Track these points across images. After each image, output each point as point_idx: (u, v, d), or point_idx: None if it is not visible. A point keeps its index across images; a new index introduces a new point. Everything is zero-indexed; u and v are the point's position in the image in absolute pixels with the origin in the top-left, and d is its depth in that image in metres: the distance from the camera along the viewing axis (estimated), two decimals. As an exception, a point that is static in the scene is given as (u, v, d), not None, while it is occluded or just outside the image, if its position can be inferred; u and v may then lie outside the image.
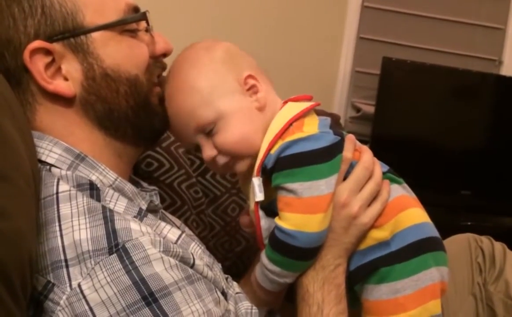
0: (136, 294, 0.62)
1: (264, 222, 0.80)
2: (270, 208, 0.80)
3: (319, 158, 0.76)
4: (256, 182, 0.78)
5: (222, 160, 0.81)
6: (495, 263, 1.05)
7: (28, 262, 0.57)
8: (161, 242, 0.67)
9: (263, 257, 0.80)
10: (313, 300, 0.78)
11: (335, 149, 0.78)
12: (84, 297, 0.62)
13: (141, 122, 0.78)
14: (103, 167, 0.74)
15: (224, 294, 0.75)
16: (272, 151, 0.77)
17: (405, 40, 2.21)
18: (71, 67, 0.73)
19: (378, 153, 0.86)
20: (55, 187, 0.69)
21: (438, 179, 2.08)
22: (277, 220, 0.77)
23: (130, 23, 0.76)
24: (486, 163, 2.12)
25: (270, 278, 0.80)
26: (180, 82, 0.81)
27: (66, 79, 0.73)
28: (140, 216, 0.73)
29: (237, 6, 2.05)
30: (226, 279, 0.84)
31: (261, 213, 0.80)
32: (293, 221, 0.75)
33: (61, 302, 0.63)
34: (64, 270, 0.64)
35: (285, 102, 0.84)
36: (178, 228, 0.89)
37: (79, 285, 0.63)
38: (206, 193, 1.30)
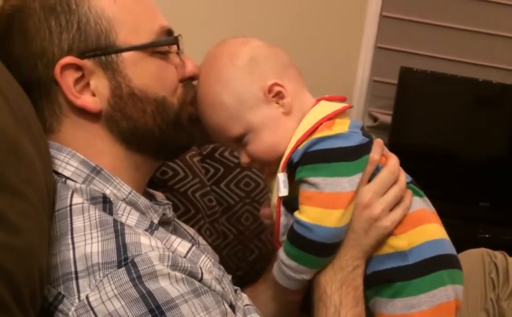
0: (143, 307, 0.63)
1: (284, 219, 0.81)
2: (291, 204, 0.80)
3: (345, 156, 0.77)
4: (281, 177, 0.79)
5: (256, 165, 0.85)
6: (509, 279, 1.04)
7: (38, 275, 0.58)
8: (169, 257, 0.67)
9: (281, 253, 0.80)
10: (330, 302, 0.78)
11: (362, 149, 0.79)
12: (92, 308, 0.63)
13: (167, 139, 0.79)
14: (118, 180, 0.75)
15: (232, 306, 0.75)
16: (300, 147, 0.78)
17: (423, 50, 2.19)
18: (100, 83, 0.74)
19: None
20: (69, 200, 0.70)
21: (456, 190, 2.06)
22: (296, 214, 0.77)
23: (161, 46, 0.77)
24: (505, 174, 2.09)
25: (287, 274, 0.79)
26: (208, 97, 0.82)
27: (93, 94, 0.74)
28: (151, 229, 0.73)
29: (255, 15, 2.06)
30: (235, 291, 0.84)
31: (282, 209, 0.81)
32: (312, 214, 0.75)
33: (70, 313, 0.64)
34: (74, 281, 0.64)
35: (318, 100, 0.85)
36: (192, 238, 0.89)
37: (87, 297, 0.63)
38: (220, 202, 1.31)
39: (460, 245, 0.84)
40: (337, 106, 0.82)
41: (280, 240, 0.82)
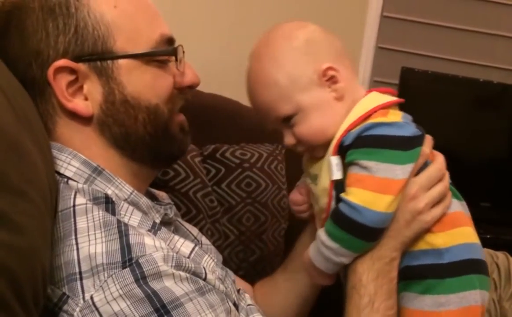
0: (148, 306, 0.63)
1: (333, 204, 0.80)
2: (339, 189, 0.80)
3: (399, 145, 0.77)
4: (334, 160, 0.79)
5: (301, 147, 0.85)
6: (511, 279, 1.03)
7: (41, 275, 0.58)
8: (173, 257, 0.67)
9: (321, 234, 0.80)
10: (365, 291, 0.78)
11: (416, 141, 0.80)
12: (97, 309, 0.63)
13: (159, 148, 0.79)
14: (120, 181, 0.75)
15: (235, 305, 0.75)
16: (353, 130, 0.78)
17: (424, 50, 2.19)
18: (93, 88, 0.74)
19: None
20: (72, 200, 0.70)
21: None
22: (343, 195, 0.77)
23: (158, 56, 0.77)
24: (506, 175, 2.09)
25: (326, 256, 0.79)
26: (260, 74, 0.83)
27: (86, 99, 0.74)
28: (154, 229, 0.74)
29: (255, 16, 2.05)
30: (238, 291, 0.84)
31: (334, 192, 0.80)
32: (362, 196, 0.75)
33: (75, 314, 0.64)
34: (78, 282, 0.64)
35: (369, 91, 0.86)
36: (195, 238, 0.89)
37: (91, 297, 0.63)
38: (221, 202, 1.31)
39: (462, 246, 0.84)
40: (390, 98, 0.83)
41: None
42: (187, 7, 1.92)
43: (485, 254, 1.10)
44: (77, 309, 0.63)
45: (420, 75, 2.04)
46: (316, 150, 0.84)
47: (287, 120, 0.83)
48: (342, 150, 0.79)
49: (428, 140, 0.83)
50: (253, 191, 1.33)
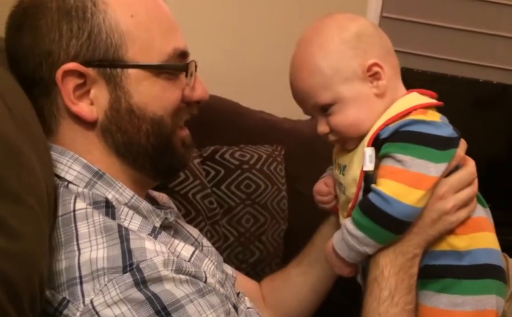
0: (149, 308, 0.63)
1: (361, 194, 0.81)
2: (368, 181, 0.81)
3: (436, 144, 0.78)
4: (368, 151, 0.80)
5: (333, 137, 0.86)
6: (510, 281, 1.03)
7: (38, 281, 0.58)
8: (174, 261, 0.67)
9: (347, 223, 0.81)
10: (386, 284, 0.79)
11: (451, 142, 0.81)
12: (97, 313, 0.63)
13: (160, 159, 0.79)
14: (120, 185, 0.75)
15: (235, 308, 0.76)
16: (391, 125, 0.79)
17: (424, 51, 2.19)
18: (100, 93, 0.74)
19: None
20: (72, 205, 0.70)
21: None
22: (375, 185, 0.78)
23: (168, 69, 0.77)
24: (506, 175, 2.09)
25: (350, 244, 0.80)
26: (306, 58, 0.84)
27: (91, 103, 0.74)
28: (154, 233, 0.74)
29: (254, 17, 2.05)
30: (238, 294, 0.84)
31: (363, 183, 0.81)
32: (394, 188, 0.76)
33: None
34: (78, 286, 0.64)
35: (410, 91, 0.87)
36: (195, 240, 0.90)
37: (91, 301, 0.63)
38: (220, 204, 1.31)
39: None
40: (429, 99, 0.85)
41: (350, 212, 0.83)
42: (187, 8, 1.92)
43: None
44: (78, 314, 0.63)
45: (420, 76, 2.04)
46: (347, 142, 0.85)
47: (325, 109, 0.84)
48: (378, 143, 0.80)
49: (463, 144, 0.84)
50: (252, 192, 1.33)
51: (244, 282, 1.01)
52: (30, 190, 0.60)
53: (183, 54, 0.79)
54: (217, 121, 1.42)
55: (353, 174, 0.83)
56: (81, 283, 0.64)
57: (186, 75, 0.79)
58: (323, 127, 0.85)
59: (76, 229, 0.68)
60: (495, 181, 2.09)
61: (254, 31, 2.03)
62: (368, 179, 0.81)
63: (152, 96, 0.76)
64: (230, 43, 1.99)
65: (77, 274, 0.65)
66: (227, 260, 1.25)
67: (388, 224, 0.77)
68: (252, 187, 1.33)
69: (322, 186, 0.94)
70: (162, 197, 0.96)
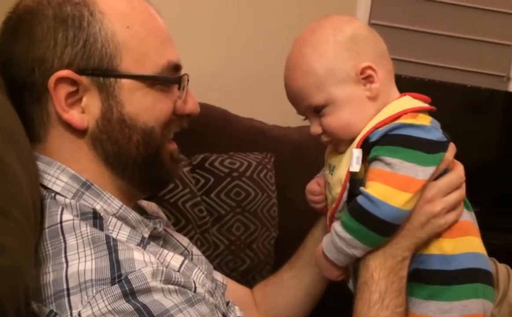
0: None
1: (345, 195, 0.82)
2: (354, 184, 0.81)
3: (424, 147, 0.78)
4: (356, 153, 0.80)
5: (325, 138, 0.86)
6: (499, 286, 1.04)
7: (24, 294, 0.57)
8: (163, 272, 0.67)
9: (336, 225, 0.81)
10: (376, 287, 0.79)
11: (440, 146, 0.81)
12: None
13: (149, 172, 0.78)
14: (108, 195, 0.75)
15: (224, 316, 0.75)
16: (381, 128, 0.80)
17: (412, 57, 2.20)
18: (92, 102, 0.74)
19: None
20: (59, 216, 0.69)
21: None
22: (363, 188, 0.78)
23: (161, 81, 0.77)
24: (495, 180, 2.10)
25: (339, 247, 0.80)
26: (300, 59, 0.84)
27: (83, 111, 0.74)
28: (143, 244, 0.73)
29: (243, 25, 2.06)
30: (227, 303, 0.83)
31: (348, 184, 0.82)
32: (381, 191, 0.77)
33: None
34: (66, 298, 0.63)
35: (403, 94, 0.87)
36: (185, 249, 0.89)
37: (79, 314, 0.62)
38: (210, 212, 1.30)
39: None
40: (421, 103, 0.85)
41: (336, 215, 0.84)
42: (176, 17, 1.92)
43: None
44: None
45: (409, 82, 2.05)
46: (339, 144, 0.86)
47: (318, 110, 0.84)
48: (367, 146, 0.81)
49: (452, 148, 0.84)
50: (242, 200, 1.33)
51: (235, 289, 1.01)
52: (15, 202, 0.59)
53: (176, 67, 0.79)
54: (206, 129, 1.42)
55: (340, 174, 0.83)
56: (68, 295, 0.64)
57: (179, 88, 0.79)
58: (316, 128, 0.86)
59: (64, 241, 0.67)
60: (484, 185, 2.10)
61: (243, 40, 2.03)
62: (354, 181, 0.81)
63: (144, 107, 0.75)
64: (219, 51, 1.99)
65: (65, 286, 0.64)
66: (217, 269, 1.24)
67: (375, 226, 0.77)
68: (242, 195, 1.33)
69: (314, 186, 0.94)
70: (151, 206, 0.95)
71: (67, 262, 0.65)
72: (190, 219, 1.24)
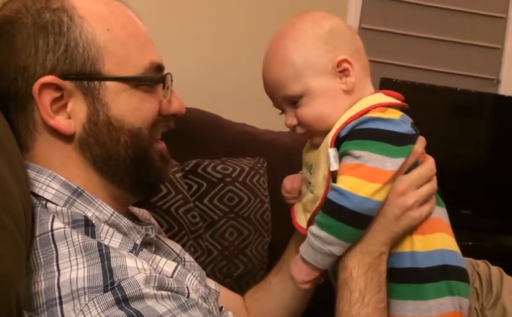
0: None
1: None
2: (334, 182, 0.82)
3: (392, 140, 0.79)
4: (332, 152, 0.81)
5: (300, 130, 0.87)
6: (492, 288, 1.04)
7: (15, 303, 0.57)
8: (156, 278, 0.67)
9: (312, 226, 0.81)
10: (355, 285, 0.79)
11: (408, 138, 0.82)
12: None
13: (138, 174, 0.78)
14: (100, 202, 0.74)
15: (217, 323, 0.75)
16: (350, 124, 0.81)
17: (402, 61, 2.22)
18: (77, 107, 0.74)
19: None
20: (49, 224, 0.69)
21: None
22: (333, 184, 0.79)
23: (145, 81, 0.77)
24: (486, 182, 2.12)
25: (315, 246, 0.80)
26: (279, 50, 0.86)
27: (69, 117, 0.74)
28: (136, 250, 0.73)
29: (234, 30, 2.06)
30: (220, 309, 0.83)
31: (331, 184, 0.82)
32: (350, 183, 0.77)
33: None
34: (58, 307, 0.63)
35: (377, 92, 0.88)
36: (177, 255, 0.89)
37: None
38: (203, 218, 1.30)
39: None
40: (393, 100, 0.86)
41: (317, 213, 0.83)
42: (167, 23, 1.92)
43: (466, 263, 1.11)
44: None
45: (399, 85, 2.06)
46: (314, 137, 0.87)
47: (294, 101, 0.85)
48: (339, 142, 0.81)
49: (421, 141, 0.85)
50: (235, 205, 1.33)
51: (227, 296, 1.00)
52: (6, 210, 0.58)
53: (159, 68, 0.79)
54: (198, 135, 1.42)
55: (323, 173, 0.84)
56: (60, 303, 0.63)
57: (164, 88, 0.79)
58: (291, 120, 0.87)
59: (56, 249, 0.66)
60: (474, 188, 2.12)
61: (233, 44, 2.03)
62: (336, 179, 0.82)
63: (130, 108, 0.75)
64: (209, 56, 1.99)
65: (57, 294, 0.64)
66: (211, 275, 1.24)
67: (346, 218, 0.78)
68: (235, 200, 1.33)
69: (288, 181, 0.96)
70: (142, 213, 0.95)
71: (59, 270, 0.65)
72: (183, 225, 1.24)
